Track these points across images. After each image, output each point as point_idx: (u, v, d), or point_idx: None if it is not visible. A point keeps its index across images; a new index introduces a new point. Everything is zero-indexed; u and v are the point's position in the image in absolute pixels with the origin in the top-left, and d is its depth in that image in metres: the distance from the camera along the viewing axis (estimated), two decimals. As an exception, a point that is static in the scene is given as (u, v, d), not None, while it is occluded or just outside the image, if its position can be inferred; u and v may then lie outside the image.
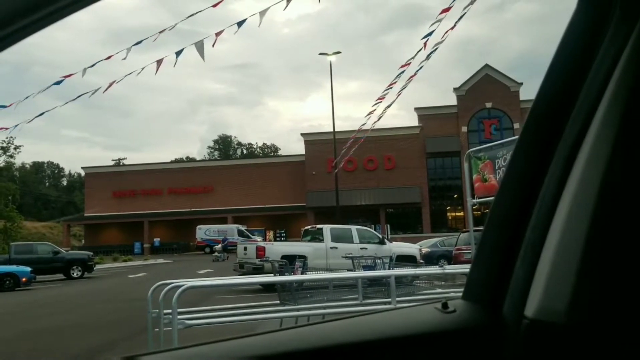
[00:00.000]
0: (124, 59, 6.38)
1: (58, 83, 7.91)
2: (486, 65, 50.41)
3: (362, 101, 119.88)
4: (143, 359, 0.89)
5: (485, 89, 48.58)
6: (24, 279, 20.93)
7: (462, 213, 46.19)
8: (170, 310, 6.10)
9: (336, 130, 36.89)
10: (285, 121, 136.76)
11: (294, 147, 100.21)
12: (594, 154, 0.89)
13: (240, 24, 7.14)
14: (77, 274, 26.12)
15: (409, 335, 0.98)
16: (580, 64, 0.96)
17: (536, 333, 0.92)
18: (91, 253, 28.62)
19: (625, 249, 0.87)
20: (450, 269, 8.25)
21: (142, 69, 7.74)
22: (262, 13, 6.74)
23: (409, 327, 1.01)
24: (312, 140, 51.62)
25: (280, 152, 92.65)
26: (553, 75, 0.99)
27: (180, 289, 6.08)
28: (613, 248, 0.87)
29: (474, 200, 10.58)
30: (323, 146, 46.66)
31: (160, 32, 6.32)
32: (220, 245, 40.45)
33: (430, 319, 1.03)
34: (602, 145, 0.89)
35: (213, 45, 6.24)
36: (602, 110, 0.90)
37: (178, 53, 6.67)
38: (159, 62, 7.16)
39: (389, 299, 7.56)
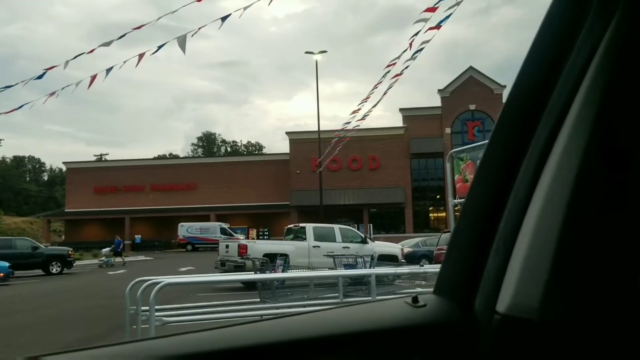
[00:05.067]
0: (104, 45, 6.28)
1: (40, 77, 7.78)
2: (470, 68, 50.78)
3: (349, 102, 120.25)
4: (46, 359, 0.85)
5: (469, 91, 48.97)
6: (1, 274, 20.67)
7: (444, 213, 46.50)
8: (148, 307, 6.04)
9: (321, 129, 36.89)
10: (271, 120, 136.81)
11: (279, 145, 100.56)
12: (569, 148, 0.88)
13: (224, 19, 7.08)
14: (56, 270, 25.82)
15: (376, 329, 0.95)
16: (556, 57, 0.94)
17: (507, 329, 0.90)
18: (70, 249, 28.30)
19: (599, 245, 0.86)
20: (430, 268, 8.29)
21: (124, 62, 7.64)
22: (246, 7, 6.69)
23: (376, 321, 0.98)
24: (297, 139, 51.54)
25: (265, 151, 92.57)
26: (529, 68, 0.98)
27: (158, 286, 6.03)
28: (586, 244, 0.86)
29: (456, 201, 10.63)
30: (308, 145, 46.62)
31: (140, 26, 6.24)
32: (108, 249, 33.40)
33: (399, 313, 1.00)
34: (577, 139, 0.88)
35: (192, 35, 6.16)
36: (577, 104, 0.89)
37: (160, 46, 6.59)
38: (141, 55, 7.07)
39: (370, 298, 7.57)
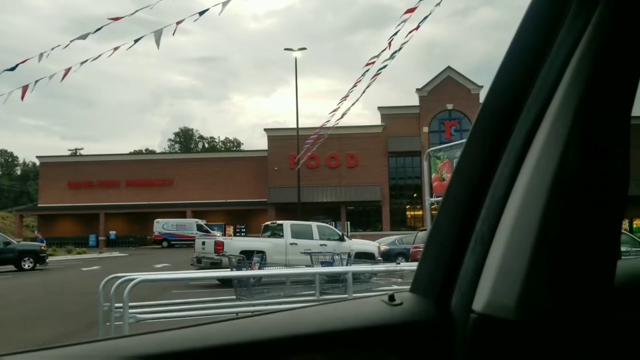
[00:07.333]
0: (82, 39, 6.17)
1: (12, 69, 7.63)
2: (448, 68, 51.19)
3: (328, 99, 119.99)
4: (5, 359, 0.82)
5: (447, 90, 49.39)
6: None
7: (421, 212, 46.81)
8: (122, 304, 5.97)
9: (300, 127, 36.84)
10: (249, 116, 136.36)
11: (257, 142, 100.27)
12: (547, 146, 0.88)
13: (202, 13, 7.01)
14: (28, 266, 25.35)
15: (353, 328, 0.94)
16: (537, 53, 0.94)
17: (484, 328, 0.89)
18: (43, 244, 27.81)
19: (576, 244, 0.86)
20: (406, 266, 8.34)
21: (99, 55, 7.52)
22: (225, 2, 6.63)
23: (353, 320, 0.97)
24: (275, 136, 51.38)
25: (243, 147, 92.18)
26: (508, 65, 0.97)
27: (132, 283, 5.95)
28: (563, 243, 0.86)
29: (433, 199, 10.70)
30: (286, 142, 46.54)
31: (117, 18, 6.14)
32: None
33: (375, 311, 0.99)
34: (556, 137, 0.87)
35: (173, 34, 6.09)
36: (556, 102, 0.89)
37: (136, 40, 6.51)
38: (116, 48, 6.97)
39: (346, 295, 7.58)
